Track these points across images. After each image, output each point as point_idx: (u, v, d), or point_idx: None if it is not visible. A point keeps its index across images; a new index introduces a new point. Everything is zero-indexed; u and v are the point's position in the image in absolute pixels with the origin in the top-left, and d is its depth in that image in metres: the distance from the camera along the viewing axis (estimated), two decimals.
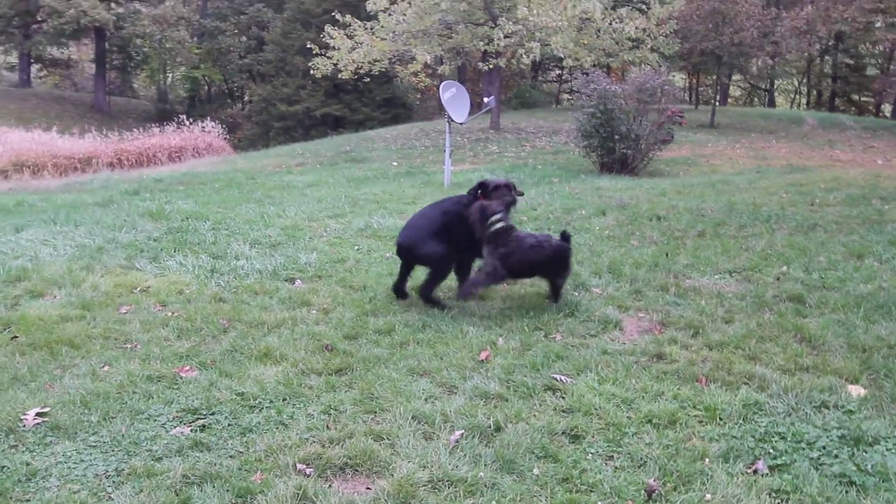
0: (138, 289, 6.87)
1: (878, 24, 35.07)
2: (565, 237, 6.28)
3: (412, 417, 4.20)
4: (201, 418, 4.26)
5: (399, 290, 6.56)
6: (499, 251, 6.05)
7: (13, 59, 54.23)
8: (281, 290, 6.87)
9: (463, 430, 4.04)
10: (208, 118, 33.91)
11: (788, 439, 3.93)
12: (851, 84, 46.20)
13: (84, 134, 30.22)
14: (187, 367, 4.96)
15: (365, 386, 4.63)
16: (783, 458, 3.76)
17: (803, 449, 3.84)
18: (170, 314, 6.14)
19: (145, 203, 11.61)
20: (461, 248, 6.44)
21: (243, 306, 6.35)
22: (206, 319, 5.95)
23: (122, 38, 47.41)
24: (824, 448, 3.83)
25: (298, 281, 7.26)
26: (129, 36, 46.57)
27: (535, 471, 3.68)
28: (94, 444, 3.97)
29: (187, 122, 31.51)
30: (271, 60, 43.28)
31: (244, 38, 51.09)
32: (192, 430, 4.10)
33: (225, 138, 33.45)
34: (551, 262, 6.12)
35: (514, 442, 3.91)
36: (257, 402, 4.44)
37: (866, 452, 3.78)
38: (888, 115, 42.21)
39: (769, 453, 3.81)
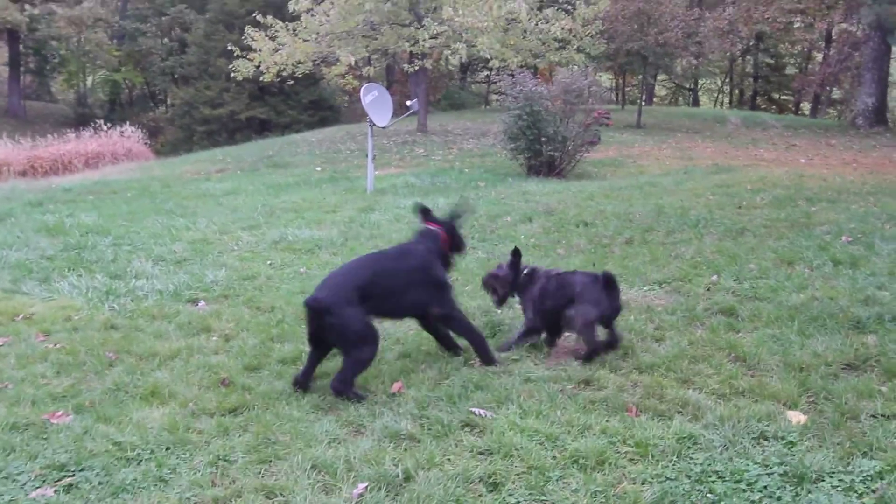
0: (21, 316, 6.25)
1: (796, 25, 35.68)
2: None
3: (311, 467, 3.72)
4: (69, 476, 3.70)
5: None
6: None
7: None
8: (181, 314, 6.32)
9: (368, 482, 3.57)
10: (129, 122, 32.74)
11: (727, 479, 3.57)
12: (772, 83, 47.10)
13: None
14: (60, 412, 4.38)
15: (261, 429, 4.12)
16: (722, 502, 3.40)
17: (744, 490, 3.48)
18: (52, 346, 5.54)
19: (45, 216, 10.87)
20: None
21: (136, 334, 5.79)
22: (91, 351, 5.37)
23: (37, 41, 45.65)
24: (766, 489, 3.48)
25: (202, 302, 6.72)
26: (44, 38, 44.84)
27: None
28: None
29: (105, 127, 30.32)
30: (193, 63, 41.99)
31: (166, 40, 49.46)
32: (55, 492, 3.55)
33: (146, 143, 32.32)
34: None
35: (424, 493, 3.46)
36: (136, 452, 3.89)
37: (811, 493, 3.44)
38: (807, 113, 43.10)
39: (707, 497, 3.44)
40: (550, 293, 5.35)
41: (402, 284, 4.97)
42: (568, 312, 5.23)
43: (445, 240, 5.36)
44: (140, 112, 49.10)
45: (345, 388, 4.57)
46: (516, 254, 5.61)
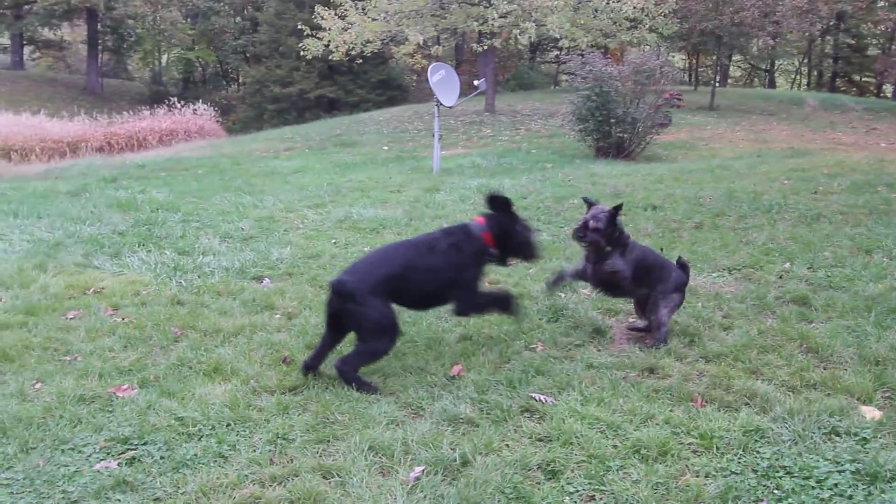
0: (91, 290, 6.37)
1: (880, 4, 34.45)
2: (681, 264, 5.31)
3: (369, 448, 3.71)
4: (131, 449, 3.76)
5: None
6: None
7: (5, 40, 53.21)
8: (246, 291, 6.37)
9: (425, 465, 3.55)
10: (201, 100, 33.35)
11: (795, 475, 3.44)
12: (853, 64, 45.57)
13: (74, 117, 29.51)
14: (126, 386, 4.46)
15: (320, 408, 4.13)
16: (790, 499, 3.27)
17: (812, 487, 3.34)
18: (120, 320, 5.64)
19: (118, 192, 11.10)
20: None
21: (201, 310, 5.85)
22: (157, 326, 5.46)
23: (114, 19, 46.68)
24: (836, 487, 3.34)
25: (266, 279, 6.77)
26: (121, 17, 45.82)
27: None
28: (2, 482, 3.48)
29: (178, 105, 30.92)
30: (265, 41, 42.54)
31: (238, 19, 50.34)
32: (118, 465, 3.61)
33: (218, 121, 32.91)
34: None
35: (482, 479, 3.42)
36: (197, 428, 3.93)
37: (885, 493, 3.29)
38: (889, 95, 41.59)
39: (773, 493, 3.32)
40: (647, 265, 5.14)
41: (430, 280, 4.72)
42: (659, 289, 5.11)
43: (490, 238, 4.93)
44: (212, 90, 50.05)
45: (348, 370, 4.45)
46: (618, 207, 5.04)
